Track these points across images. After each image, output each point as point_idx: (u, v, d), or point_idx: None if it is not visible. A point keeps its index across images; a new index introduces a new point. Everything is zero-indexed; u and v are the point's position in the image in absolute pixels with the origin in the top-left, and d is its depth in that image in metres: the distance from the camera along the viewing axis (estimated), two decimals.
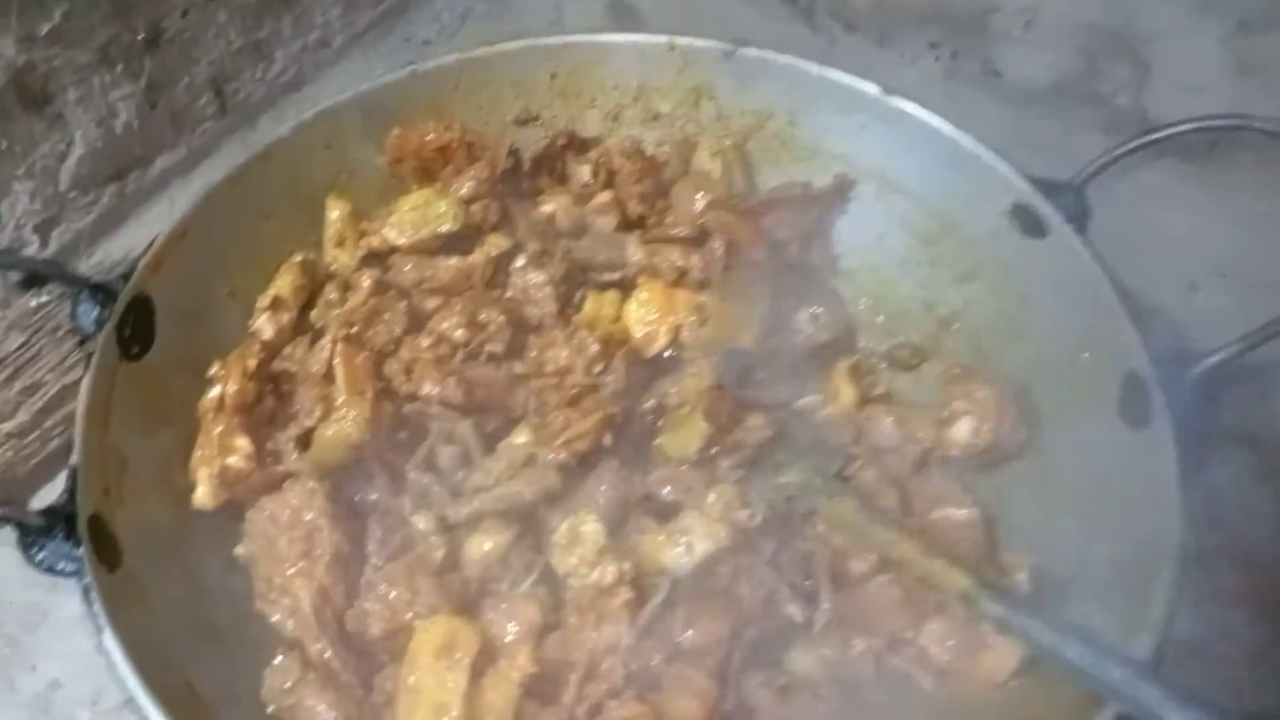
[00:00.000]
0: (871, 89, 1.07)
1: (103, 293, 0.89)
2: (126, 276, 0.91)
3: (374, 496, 0.93)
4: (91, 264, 1.36)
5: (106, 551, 0.79)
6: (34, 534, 0.78)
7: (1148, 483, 0.79)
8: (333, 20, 1.62)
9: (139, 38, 1.34)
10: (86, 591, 0.74)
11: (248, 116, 1.53)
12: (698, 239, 1.02)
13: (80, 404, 0.83)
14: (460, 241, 1.07)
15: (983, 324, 1.02)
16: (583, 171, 1.11)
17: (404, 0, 1.73)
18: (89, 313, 0.88)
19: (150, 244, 0.94)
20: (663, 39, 1.14)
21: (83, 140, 1.31)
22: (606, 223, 1.09)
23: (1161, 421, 0.80)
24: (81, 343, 0.90)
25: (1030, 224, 0.96)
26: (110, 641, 0.72)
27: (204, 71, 1.45)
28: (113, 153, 1.36)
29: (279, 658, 0.82)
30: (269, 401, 0.96)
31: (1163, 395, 0.80)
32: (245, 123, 1.52)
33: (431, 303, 1.03)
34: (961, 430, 0.93)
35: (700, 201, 1.06)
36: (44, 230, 1.32)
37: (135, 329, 0.90)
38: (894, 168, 1.07)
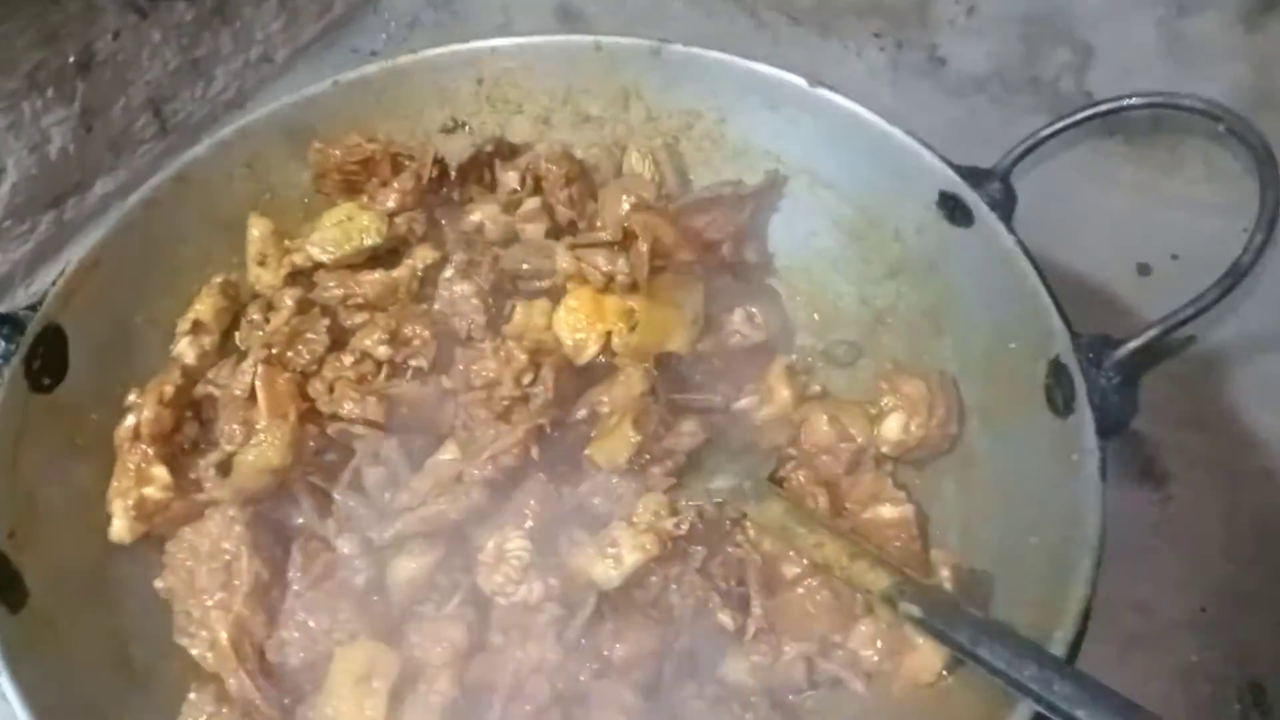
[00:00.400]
0: (798, 81, 1.05)
1: (9, 325, 0.87)
2: (34, 307, 0.89)
3: (299, 521, 0.91)
4: (30, 294, 1.35)
5: (10, 592, 0.77)
6: None
7: (1070, 472, 0.77)
8: (274, 35, 1.61)
9: (70, 61, 1.32)
10: None
11: (190, 137, 1.51)
12: (624, 243, 1.00)
13: None
14: (387, 255, 1.05)
15: (914, 317, 1.00)
16: (510, 178, 1.09)
17: (348, 12, 1.72)
18: None
19: (61, 273, 0.92)
20: (588, 39, 1.12)
21: (15, 168, 1.30)
22: (535, 230, 1.07)
23: (1083, 408, 0.78)
24: None
25: (956, 212, 0.94)
26: (7, 684, 0.71)
27: (141, 93, 1.44)
28: (48, 179, 1.34)
29: (191, 694, 0.80)
30: (191, 428, 0.94)
31: (1084, 381, 0.79)
32: (187, 143, 1.48)
33: (358, 319, 1.02)
34: (891, 427, 0.91)
35: (626, 204, 1.04)
36: None
37: (46, 360, 0.88)
38: (823, 162, 1.05)
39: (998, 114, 1.41)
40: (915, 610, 0.74)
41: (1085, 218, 1.31)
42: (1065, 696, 0.63)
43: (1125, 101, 0.87)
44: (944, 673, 0.78)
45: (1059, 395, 0.81)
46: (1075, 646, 0.69)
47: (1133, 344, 0.79)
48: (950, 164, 0.95)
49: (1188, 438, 1.15)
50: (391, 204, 1.06)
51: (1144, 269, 1.30)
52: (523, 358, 0.96)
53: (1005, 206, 0.92)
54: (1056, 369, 0.82)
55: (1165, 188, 1.34)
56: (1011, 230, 0.89)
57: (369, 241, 1.03)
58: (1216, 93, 0.88)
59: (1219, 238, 1.23)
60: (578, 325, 1.00)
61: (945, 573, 0.81)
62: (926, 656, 0.78)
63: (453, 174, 1.10)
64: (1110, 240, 1.30)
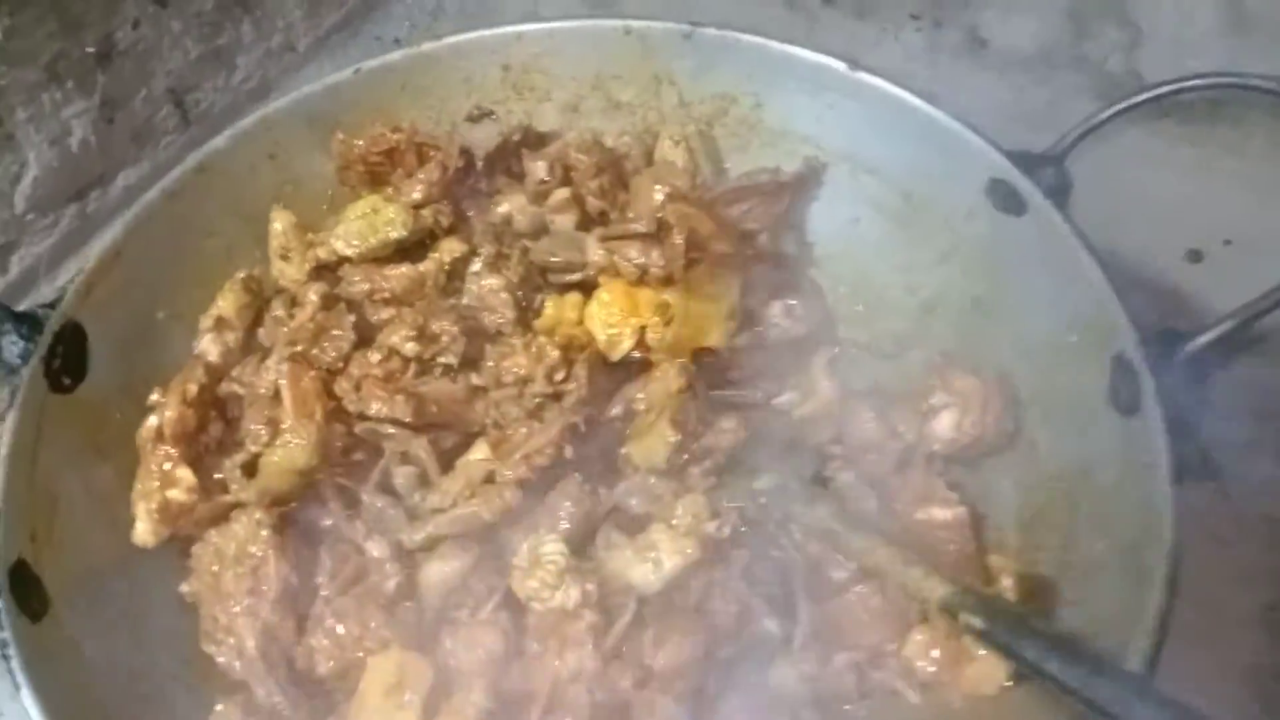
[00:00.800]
0: (838, 65, 1.01)
1: (27, 323, 0.84)
2: (53, 305, 0.86)
3: (328, 523, 0.88)
4: (55, 288, 1.32)
5: (31, 600, 0.75)
6: None
7: (1139, 474, 0.73)
8: (295, 23, 1.58)
9: (89, 52, 1.30)
10: (3, 646, 0.70)
11: (213, 127, 1.47)
12: (658, 234, 0.96)
13: (3, 445, 0.79)
14: (413, 248, 1.02)
15: (965, 307, 0.96)
16: (539, 168, 1.05)
17: None
18: (14, 346, 0.84)
19: (80, 269, 0.89)
20: (618, 23, 1.09)
21: (37, 161, 1.27)
22: (565, 221, 1.04)
23: (1152, 407, 0.74)
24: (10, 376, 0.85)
25: (1008, 200, 0.90)
26: (28, 699, 0.68)
27: (162, 83, 1.41)
28: (70, 172, 1.32)
29: (219, 706, 0.78)
30: (216, 427, 0.91)
31: (1152, 379, 0.74)
32: (211, 134, 1.45)
33: (384, 314, 0.99)
34: (943, 424, 0.87)
35: (659, 194, 1.00)
36: (2, 256, 1.28)
37: (66, 359, 0.86)
38: (865, 148, 1.01)
39: (1043, 96, 1.36)
40: (977, 622, 0.70)
41: (1132, 201, 1.26)
42: (1146, 718, 0.59)
43: (1191, 83, 0.82)
44: (1008, 684, 0.74)
45: (1124, 392, 0.77)
46: (1153, 661, 0.65)
47: (1204, 338, 0.75)
48: (1000, 149, 0.91)
49: (1244, 430, 1.10)
50: (417, 195, 1.03)
51: (1194, 255, 1.25)
52: (555, 353, 0.93)
53: (1061, 193, 0.87)
54: (1121, 365, 0.78)
55: (1218, 171, 1.29)
56: (1068, 219, 0.85)
57: (394, 234, 1.00)
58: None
59: (1274, 221, 1.18)
60: (611, 319, 0.96)
61: (1007, 581, 0.77)
62: (988, 667, 0.74)
63: (479, 164, 1.06)
64: (1159, 225, 1.25)
